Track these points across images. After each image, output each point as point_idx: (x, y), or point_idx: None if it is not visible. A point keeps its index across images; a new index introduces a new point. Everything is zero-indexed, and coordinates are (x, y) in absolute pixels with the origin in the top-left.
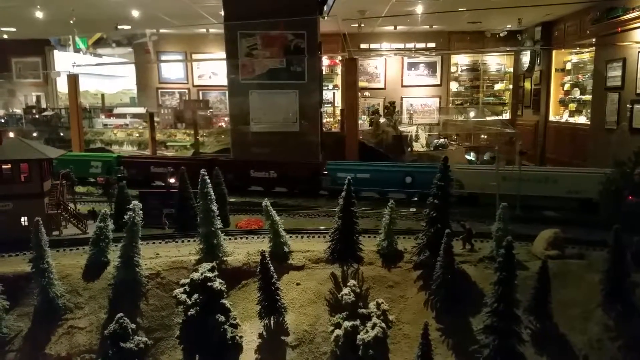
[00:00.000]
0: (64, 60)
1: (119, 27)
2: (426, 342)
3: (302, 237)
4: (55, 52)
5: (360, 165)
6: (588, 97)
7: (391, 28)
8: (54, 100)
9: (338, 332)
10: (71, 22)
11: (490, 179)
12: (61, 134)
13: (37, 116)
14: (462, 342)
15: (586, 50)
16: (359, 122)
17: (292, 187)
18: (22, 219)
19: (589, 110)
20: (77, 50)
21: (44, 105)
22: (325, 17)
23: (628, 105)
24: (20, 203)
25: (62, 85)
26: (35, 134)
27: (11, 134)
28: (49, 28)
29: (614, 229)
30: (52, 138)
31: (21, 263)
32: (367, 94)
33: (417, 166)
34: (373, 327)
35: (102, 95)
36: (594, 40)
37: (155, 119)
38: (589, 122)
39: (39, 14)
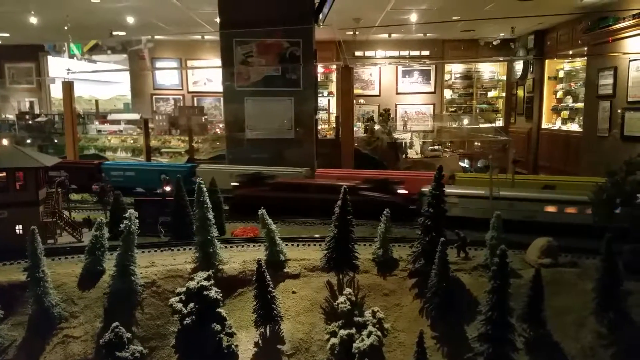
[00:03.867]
0: (57, 66)
1: (114, 33)
2: (421, 350)
3: (298, 245)
4: (49, 57)
5: (128, 165)
6: (580, 104)
7: (386, 36)
8: (47, 106)
9: (334, 340)
10: (66, 28)
11: (224, 176)
12: (55, 140)
13: (30, 122)
14: (456, 350)
15: (578, 58)
16: (354, 129)
17: (78, 185)
18: (17, 227)
19: (581, 118)
20: (71, 56)
21: (37, 111)
22: (321, 25)
23: (619, 111)
24: (15, 211)
25: (55, 91)
26: (28, 140)
27: (4, 140)
28: (43, 34)
29: (606, 238)
30: (45, 144)
31: (16, 272)
32: (361, 101)
33: (168, 165)
34: (369, 336)
35: (96, 101)
36: (585, 49)
37: (150, 125)
38: (581, 130)
39: (33, 20)
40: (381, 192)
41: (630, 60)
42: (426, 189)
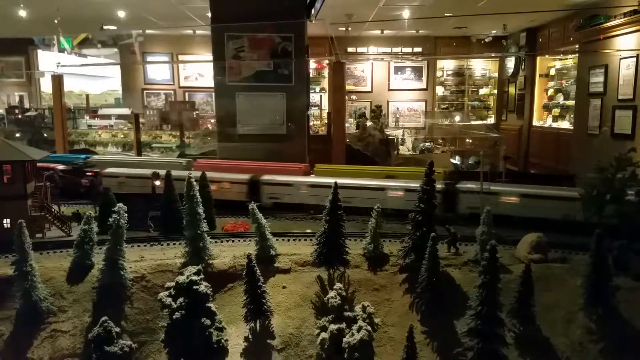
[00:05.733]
0: (47, 60)
1: (105, 27)
2: (411, 345)
3: (289, 240)
4: (39, 51)
5: None
6: (571, 102)
7: (378, 32)
8: (37, 100)
9: (324, 335)
10: (56, 21)
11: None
12: (45, 135)
13: (20, 116)
14: (446, 345)
15: (570, 56)
16: (346, 125)
17: None
18: (5, 221)
19: (572, 116)
20: (61, 50)
21: (27, 105)
22: (313, 21)
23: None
24: (3, 205)
25: (45, 85)
26: (18, 135)
27: None
28: (32, 27)
29: (596, 234)
30: (35, 139)
31: (3, 266)
32: (354, 97)
33: (63, 157)
34: (359, 330)
35: (87, 95)
36: (577, 47)
37: (141, 120)
38: (572, 127)
39: (22, 13)
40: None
41: (621, 58)
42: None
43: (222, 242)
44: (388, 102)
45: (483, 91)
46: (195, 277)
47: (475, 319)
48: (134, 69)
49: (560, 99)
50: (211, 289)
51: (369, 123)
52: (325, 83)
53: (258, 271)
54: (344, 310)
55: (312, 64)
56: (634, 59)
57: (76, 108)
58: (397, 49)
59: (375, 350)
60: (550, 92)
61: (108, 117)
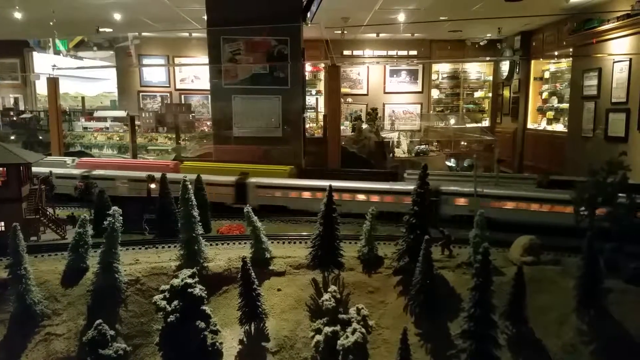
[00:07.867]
0: (43, 62)
1: (101, 30)
2: (405, 347)
3: (284, 242)
4: (35, 53)
5: None
6: (565, 105)
7: (374, 35)
8: (32, 102)
9: (318, 337)
10: (51, 23)
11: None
12: (40, 137)
13: (15, 118)
14: (440, 347)
15: (564, 59)
16: (342, 128)
17: None
18: None
19: (566, 119)
20: (57, 52)
21: (22, 107)
22: (309, 24)
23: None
24: None
25: (41, 88)
26: (12, 137)
27: None
28: (28, 29)
29: (587, 236)
30: (30, 141)
31: None
32: (349, 100)
33: None
34: (353, 333)
35: (83, 98)
36: (570, 50)
37: (137, 122)
38: (566, 130)
39: (18, 15)
40: None
41: (614, 62)
42: None
43: (217, 244)
44: (384, 104)
45: (478, 94)
46: (190, 280)
47: (468, 320)
48: (130, 71)
49: (554, 102)
50: (206, 292)
51: (364, 126)
52: (321, 86)
53: (253, 274)
54: (339, 313)
55: (308, 67)
56: (627, 62)
57: (72, 110)
58: (392, 52)
59: (369, 352)
60: (545, 95)
61: (104, 119)
